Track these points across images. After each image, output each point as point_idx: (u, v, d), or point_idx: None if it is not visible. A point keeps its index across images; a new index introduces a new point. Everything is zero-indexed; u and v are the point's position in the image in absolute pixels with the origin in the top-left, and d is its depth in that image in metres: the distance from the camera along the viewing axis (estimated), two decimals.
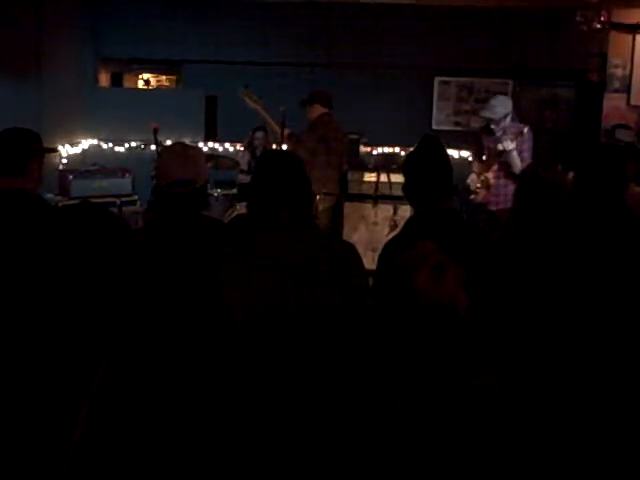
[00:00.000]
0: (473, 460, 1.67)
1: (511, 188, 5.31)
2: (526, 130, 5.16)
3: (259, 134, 6.67)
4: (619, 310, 2.42)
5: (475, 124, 6.08)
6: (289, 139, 5.72)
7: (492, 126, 5.31)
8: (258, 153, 6.75)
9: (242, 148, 7.16)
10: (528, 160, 5.22)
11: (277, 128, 5.77)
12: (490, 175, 5.28)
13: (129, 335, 2.46)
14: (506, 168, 5.22)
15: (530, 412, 1.79)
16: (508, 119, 5.29)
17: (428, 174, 2.70)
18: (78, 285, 2.72)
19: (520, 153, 5.15)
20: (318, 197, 5.47)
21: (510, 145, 5.07)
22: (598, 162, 2.62)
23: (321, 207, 5.58)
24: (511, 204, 5.25)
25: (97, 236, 2.87)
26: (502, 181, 5.30)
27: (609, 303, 2.42)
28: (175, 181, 2.52)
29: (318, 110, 5.75)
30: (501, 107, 5.27)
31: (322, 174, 5.54)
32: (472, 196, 5.39)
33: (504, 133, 5.19)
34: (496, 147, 5.17)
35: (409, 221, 2.79)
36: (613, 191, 2.55)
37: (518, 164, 5.16)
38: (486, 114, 5.36)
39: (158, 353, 2.40)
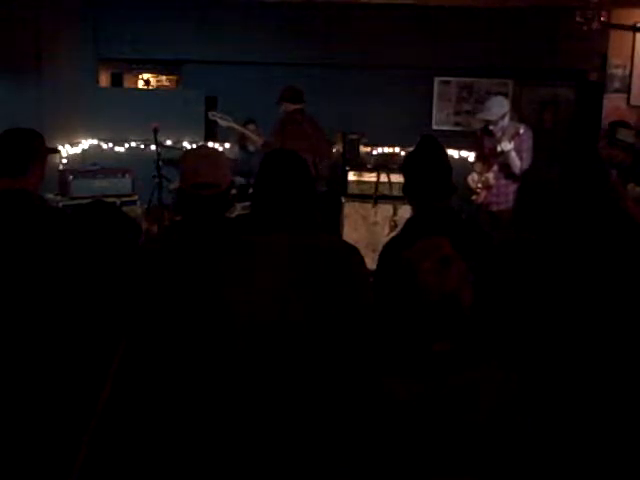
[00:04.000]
0: (478, 452, 1.67)
1: (512, 188, 5.32)
2: (522, 130, 5.15)
3: (251, 127, 6.67)
4: (616, 303, 2.43)
5: (475, 124, 6.08)
6: (263, 147, 5.82)
7: (490, 127, 5.31)
8: (249, 146, 6.81)
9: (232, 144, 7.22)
10: (528, 160, 5.21)
11: (255, 138, 5.88)
12: (490, 175, 5.28)
13: (140, 336, 2.46)
14: (506, 169, 5.22)
15: (535, 404, 1.79)
16: (506, 119, 5.28)
17: (427, 174, 2.70)
18: (82, 286, 2.72)
19: (519, 153, 5.15)
20: None
21: (508, 146, 5.08)
22: (579, 171, 2.67)
23: None
24: (512, 204, 5.30)
25: (103, 235, 2.86)
26: (503, 182, 5.30)
27: (606, 298, 2.44)
28: (200, 183, 2.48)
29: (287, 108, 5.81)
30: (497, 108, 5.27)
31: None
32: (473, 197, 5.38)
33: (503, 134, 5.19)
34: (495, 148, 5.18)
35: (409, 221, 2.79)
36: (598, 191, 2.58)
37: (517, 164, 5.16)
38: (483, 116, 5.36)
39: (166, 353, 2.39)
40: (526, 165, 5.21)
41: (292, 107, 5.80)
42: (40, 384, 2.63)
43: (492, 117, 5.25)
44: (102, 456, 2.52)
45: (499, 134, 5.22)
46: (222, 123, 6.11)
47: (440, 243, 1.80)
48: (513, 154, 5.11)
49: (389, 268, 2.39)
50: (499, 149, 5.11)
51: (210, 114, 6.24)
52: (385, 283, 2.39)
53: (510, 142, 5.07)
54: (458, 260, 1.75)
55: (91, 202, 3.38)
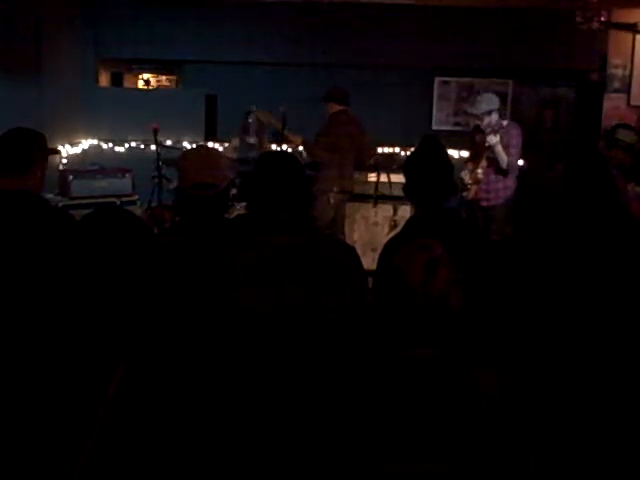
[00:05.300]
0: (471, 459, 1.66)
1: (501, 185, 5.40)
2: (505, 123, 5.23)
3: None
4: (616, 307, 2.43)
5: (472, 122, 6.12)
6: (303, 147, 5.84)
7: (477, 122, 5.39)
8: (249, 139, 6.81)
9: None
10: (516, 156, 5.29)
11: (294, 138, 5.93)
12: (479, 171, 5.35)
13: (145, 339, 2.45)
14: (495, 164, 5.29)
15: (530, 410, 1.78)
16: (493, 115, 5.34)
17: (429, 174, 2.71)
18: (83, 286, 2.71)
19: (507, 148, 5.22)
20: (331, 195, 5.72)
21: (493, 139, 5.15)
22: (583, 167, 2.67)
23: (332, 201, 5.77)
24: (502, 200, 5.38)
25: (108, 239, 2.84)
26: (492, 177, 5.38)
27: (607, 302, 2.43)
28: (199, 184, 2.47)
29: (333, 108, 5.85)
30: (484, 103, 5.33)
31: (338, 172, 5.72)
32: (464, 193, 5.45)
33: (491, 130, 5.26)
34: (484, 143, 5.25)
35: (410, 220, 2.80)
36: (602, 191, 2.59)
37: (504, 158, 5.23)
38: (469, 109, 5.48)
39: (168, 352, 2.39)
40: (514, 161, 5.27)
41: (338, 108, 5.85)
42: (44, 383, 2.63)
43: (477, 111, 5.34)
44: (104, 457, 2.51)
45: (487, 130, 5.29)
46: (262, 118, 6.16)
47: (430, 245, 1.76)
48: (499, 147, 5.19)
49: (387, 266, 2.39)
50: (487, 144, 5.18)
51: (250, 108, 6.27)
52: (384, 283, 2.39)
53: (496, 135, 5.14)
54: (447, 263, 1.71)
55: (99, 207, 3.37)
